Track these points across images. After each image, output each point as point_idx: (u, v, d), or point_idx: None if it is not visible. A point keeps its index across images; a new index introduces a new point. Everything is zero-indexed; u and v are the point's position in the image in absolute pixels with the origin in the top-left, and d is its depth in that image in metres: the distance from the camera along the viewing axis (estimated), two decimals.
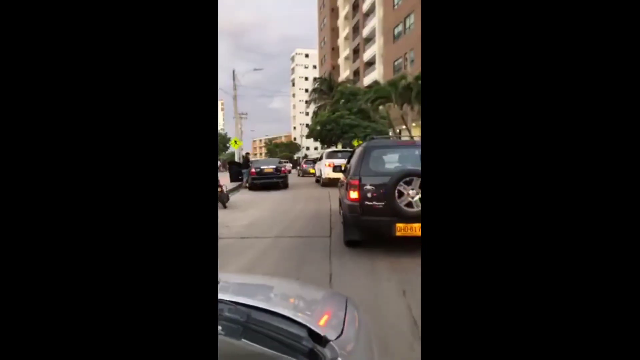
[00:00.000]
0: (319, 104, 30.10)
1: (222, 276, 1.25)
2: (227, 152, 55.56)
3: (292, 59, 77.31)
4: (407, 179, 3.92)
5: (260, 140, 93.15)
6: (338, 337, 0.97)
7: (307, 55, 73.69)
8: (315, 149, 67.14)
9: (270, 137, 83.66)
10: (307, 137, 25.94)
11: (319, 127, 22.90)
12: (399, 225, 3.94)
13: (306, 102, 35.40)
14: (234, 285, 1.40)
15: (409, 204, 3.91)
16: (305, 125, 44.68)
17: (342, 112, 21.88)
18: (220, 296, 0.97)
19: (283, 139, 78.96)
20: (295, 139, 71.55)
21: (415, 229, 3.92)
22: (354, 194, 4.13)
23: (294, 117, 72.30)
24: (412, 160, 4.27)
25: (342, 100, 23.43)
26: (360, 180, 4.11)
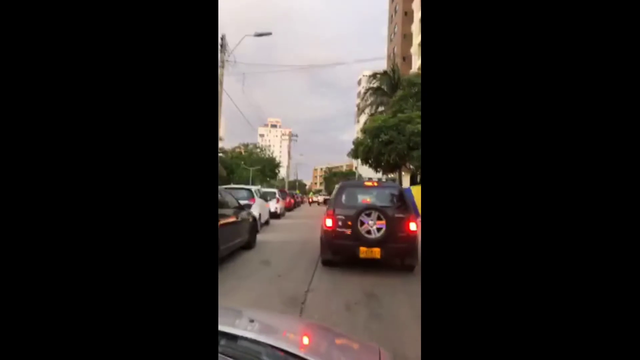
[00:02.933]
0: (374, 111, 19.75)
1: (252, 314, 1.36)
2: (277, 179, 48.89)
3: (359, 82, 70.62)
4: (367, 211, 4.88)
5: (321, 169, 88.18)
6: None
7: None
8: (379, 179, 58.58)
9: (331, 166, 78.42)
10: (353, 156, 16.71)
11: (369, 140, 13.73)
12: (362, 248, 4.84)
13: (357, 108, 24.21)
14: (265, 325, 1.32)
15: (369, 232, 4.84)
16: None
17: (410, 114, 12.67)
18: (255, 337, 1.00)
19: (344, 168, 72.81)
20: (356, 167, 64.26)
21: (375, 252, 4.83)
22: (329, 222, 5.06)
23: None
24: (378, 197, 5.45)
25: (412, 99, 14.11)
26: (334, 211, 5.12)
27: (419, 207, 5.89)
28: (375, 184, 6.13)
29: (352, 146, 16.29)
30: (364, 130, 14.89)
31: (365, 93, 21.12)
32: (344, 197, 5.32)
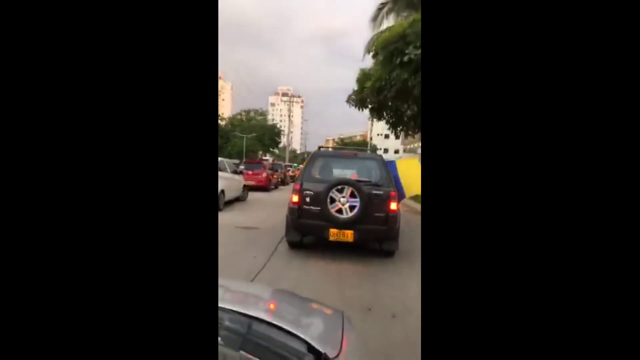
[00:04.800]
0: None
1: (220, 282, 1.36)
2: (280, 149, 43.11)
3: None
4: (339, 186, 4.12)
5: (333, 140, 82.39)
6: (337, 355, 0.98)
7: None
8: (396, 152, 52.05)
9: (343, 136, 72.36)
10: (355, 102, 10.35)
11: (381, 68, 7.43)
12: (332, 230, 4.16)
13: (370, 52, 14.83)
14: (233, 293, 1.37)
15: (339, 211, 4.12)
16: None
17: None
18: (220, 304, 0.98)
19: (358, 138, 66.40)
20: (371, 138, 57.80)
21: (347, 235, 4.14)
22: (294, 198, 4.32)
23: None
24: (355, 170, 4.69)
25: None
26: (301, 185, 4.34)
27: (413, 185, 4.91)
28: (354, 153, 5.19)
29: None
30: (374, 51, 8.27)
31: (378, 13, 13.39)
32: (315, 169, 4.62)
